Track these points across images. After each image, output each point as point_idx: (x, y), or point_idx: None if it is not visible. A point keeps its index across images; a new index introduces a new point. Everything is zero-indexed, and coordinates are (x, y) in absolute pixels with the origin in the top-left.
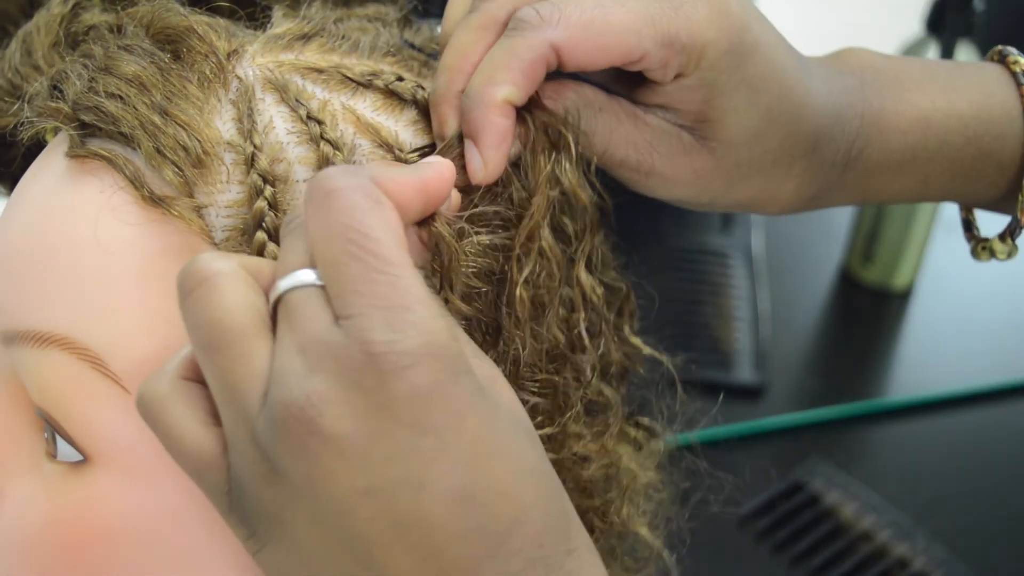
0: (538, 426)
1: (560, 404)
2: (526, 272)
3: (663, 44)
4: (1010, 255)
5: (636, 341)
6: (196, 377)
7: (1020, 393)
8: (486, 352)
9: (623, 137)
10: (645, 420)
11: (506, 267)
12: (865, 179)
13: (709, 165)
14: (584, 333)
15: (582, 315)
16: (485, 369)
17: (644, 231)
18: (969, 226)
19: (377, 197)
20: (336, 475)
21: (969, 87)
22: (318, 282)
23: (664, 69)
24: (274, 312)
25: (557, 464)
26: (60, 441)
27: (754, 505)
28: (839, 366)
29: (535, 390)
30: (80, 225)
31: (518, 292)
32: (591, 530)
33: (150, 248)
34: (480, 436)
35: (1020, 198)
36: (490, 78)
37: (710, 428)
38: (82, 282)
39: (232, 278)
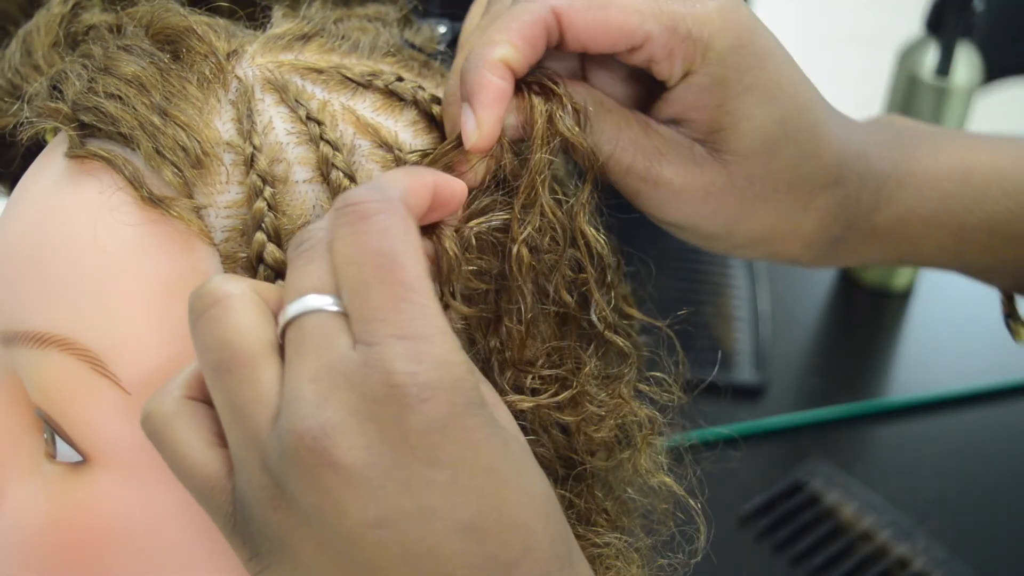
0: (553, 394)
1: (573, 367)
2: (527, 232)
3: (668, 28)
4: None
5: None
6: (202, 397)
7: (1020, 393)
8: (487, 337)
9: (631, 140)
10: (657, 374)
11: (505, 260)
12: (898, 227)
13: (721, 180)
14: (595, 289)
15: (591, 273)
16: (487, 395)
17: (644, 230)
18: (1011, 315)
19: (409, 222)
20: (347, 505)
21: (1011, 147)
22: (333, 307)
23: (670, 60)
24: (282, 336)
25: (572, 427)
26: (59, 442)
27: (754, 505)
28: (839, 366)
29: (547, 363)
30: (79, 225)
31: (517, 250)
32: (607, 492)
33: (149, 249)
34: (492, 468)
35: None
36: (488, 39)
37: (710, 428)
38: (81, 282)
39: (244, 300)
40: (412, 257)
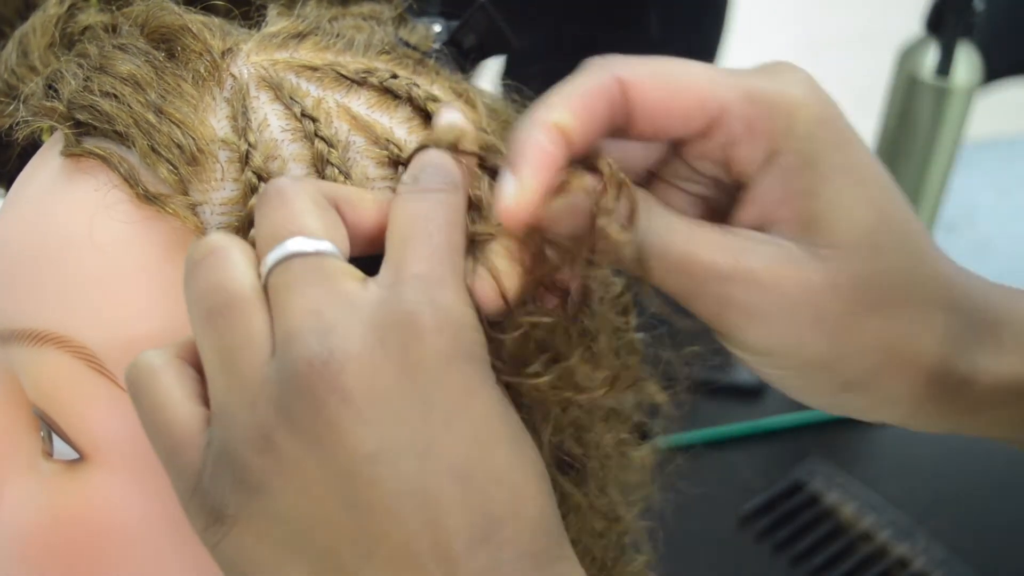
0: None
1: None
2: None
3: (746, 96)
4: None
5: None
6: (192, 361)
7: None
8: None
9: (708, 239)
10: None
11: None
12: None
13: (821, 278)
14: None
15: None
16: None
17: None
18: None
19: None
20: (347, 434)
21: None
22: (330, 248)
23: (751, 137)
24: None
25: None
26: (57, 440)
27: (754, 505)
28: None
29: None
30: (75, 223)
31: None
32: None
33: (145, 246)
34: (487, 418)
35: None
36: (546, 104)
37: (710, 428)
38: (77, 280)
39: (238, 251)
40: (457, 227)
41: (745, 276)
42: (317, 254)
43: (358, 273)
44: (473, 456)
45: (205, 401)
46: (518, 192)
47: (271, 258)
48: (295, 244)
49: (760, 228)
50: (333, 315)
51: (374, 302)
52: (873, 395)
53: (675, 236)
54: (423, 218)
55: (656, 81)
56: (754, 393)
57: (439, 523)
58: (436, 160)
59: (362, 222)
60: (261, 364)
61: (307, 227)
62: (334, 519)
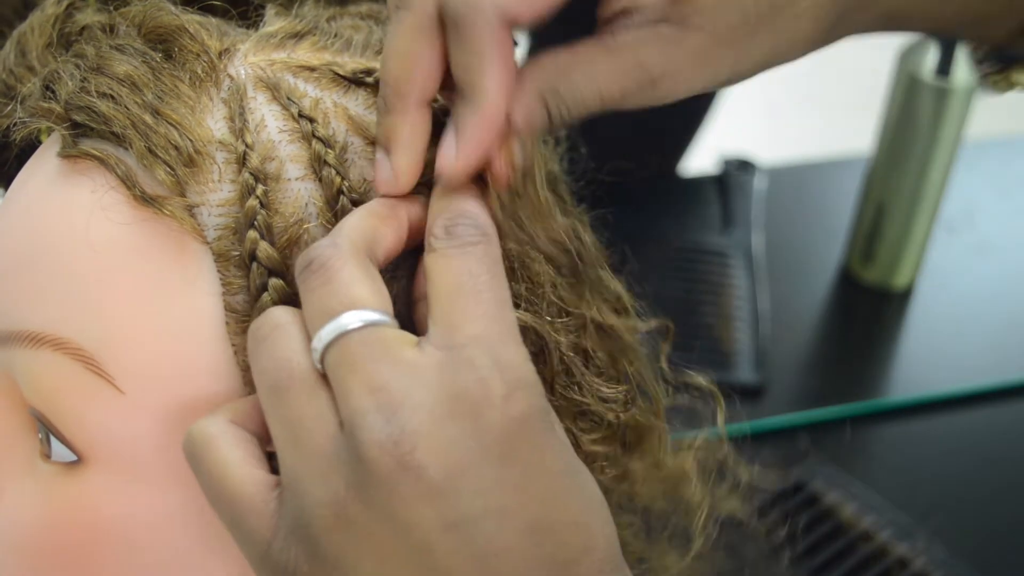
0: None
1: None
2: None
3: None
4: None
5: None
6: (248, 427)
7: (1020, 393)
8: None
9: (607, 74)
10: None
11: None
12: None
13: (704, 41)
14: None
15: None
16: None
17: (644, 231)
18: (982, 58)
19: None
20: (424, 511)
21: None
22: (382, 318)
23: None
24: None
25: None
26: (54, 442)
27: (754, 505)
28: (839, 366)
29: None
30: (72, 225)
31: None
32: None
33: (142, 247)
34: (557, 469)
35: None
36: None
37: (710, 428)
38: (74, 282)
39: (298, 328)
40: (501, 280)
41: (650, 82)
42: (372, 326)
43: (412, 338)
44: (548, 509)
45: (264, 463)
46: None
47: (326, 334)
48: (349, 319)
49: (627, 11)
50: (398, 390)
51: (436, 369)
52: (769, 68)
53: (585, 94)
54: (468, 274)
55: None
56: (754, 393)
57: None
58: (467, 210)
59: (395, 249)
60: (330, 439)
61: (359, 299)
62: None
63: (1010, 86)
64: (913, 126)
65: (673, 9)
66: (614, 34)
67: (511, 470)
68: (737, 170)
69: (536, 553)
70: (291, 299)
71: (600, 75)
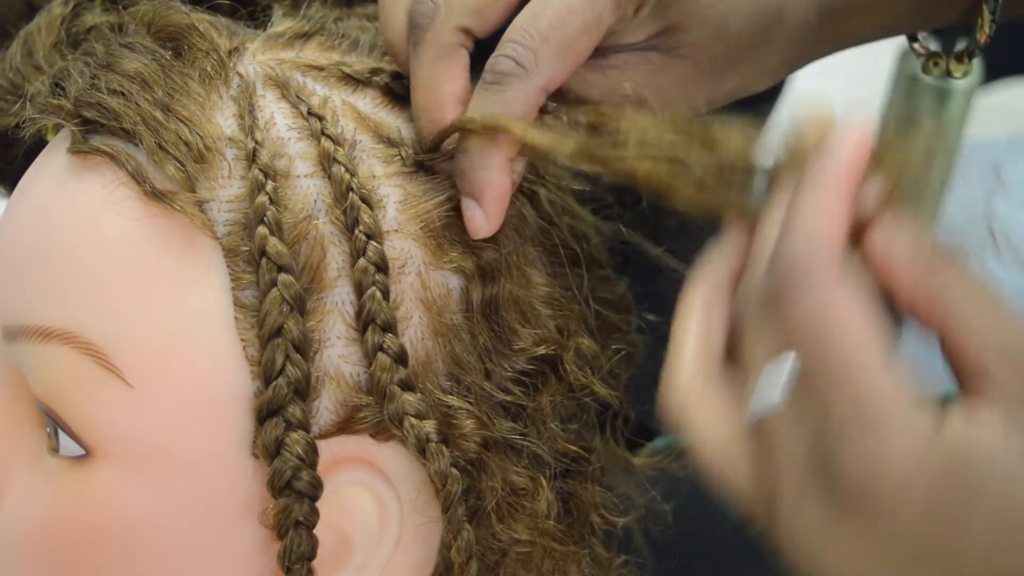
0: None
1: None
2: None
3: None
4: (965, 75)
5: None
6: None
7: None
8: None
9: (599, 94)
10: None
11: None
12: (842, 24)
13: (689, 70)
14: None
15: None
16: None
17: (644, 229)
18: (919, 40)
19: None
20: None
21: None
22: None
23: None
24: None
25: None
26: (62, 436)
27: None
28: None
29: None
30: (82, 220)
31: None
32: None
33: (152, 242)
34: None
35: (979, 20)
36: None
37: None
38: (84, 276)
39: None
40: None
41: (634, 100)
42: None
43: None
44: None
45: None
46: (488, 221)
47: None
48: None
49: (622, 46)
50: None
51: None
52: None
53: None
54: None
55: (558, 47)
56: None
57: None
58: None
59: None
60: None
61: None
62: None
63: (943, 73)
64: (913, 126)
65: (662, 38)
66: (606, 56)
67: None
68: None
69: None
70: (299, 296)
71: (593, 93)
